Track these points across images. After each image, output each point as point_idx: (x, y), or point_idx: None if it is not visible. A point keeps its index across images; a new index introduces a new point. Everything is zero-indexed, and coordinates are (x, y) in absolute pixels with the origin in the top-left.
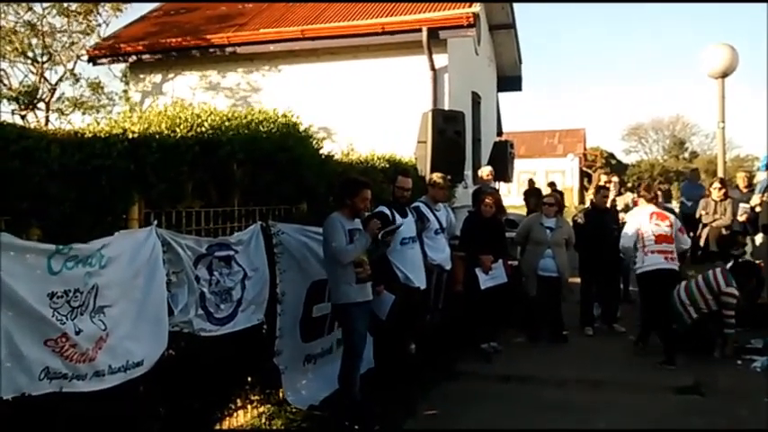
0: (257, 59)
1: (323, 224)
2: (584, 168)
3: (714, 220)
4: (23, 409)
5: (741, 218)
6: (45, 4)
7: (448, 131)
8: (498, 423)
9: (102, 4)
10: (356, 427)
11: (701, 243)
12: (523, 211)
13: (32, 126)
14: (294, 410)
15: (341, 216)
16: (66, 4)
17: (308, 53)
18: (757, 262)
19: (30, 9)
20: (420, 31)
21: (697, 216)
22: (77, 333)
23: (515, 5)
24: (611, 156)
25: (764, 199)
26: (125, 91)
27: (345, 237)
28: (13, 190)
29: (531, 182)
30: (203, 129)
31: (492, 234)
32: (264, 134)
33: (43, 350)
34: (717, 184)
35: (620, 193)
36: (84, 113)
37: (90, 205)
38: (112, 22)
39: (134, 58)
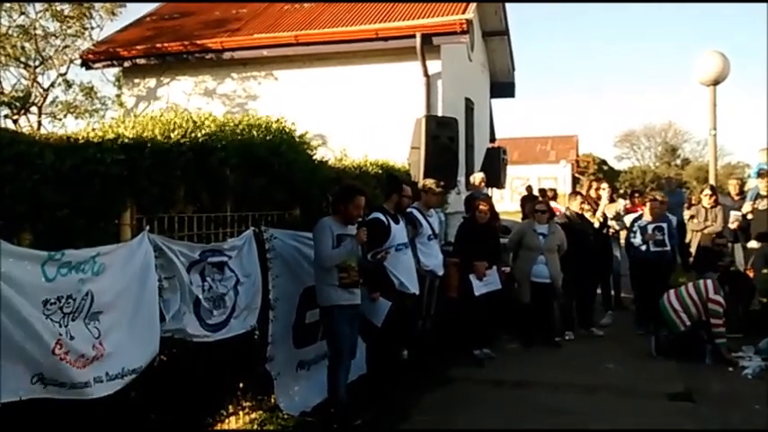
0: (251, 65)
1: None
2: (577, 175)
3: (705, 227)
4: (13, 417)
5: (732, 225)
6: (38, 7)
7: (441, 137)
8: (492, 426)
9: (96, 8)
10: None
11: (692, 250)
12: (516, 218)
13: (25, 130)
14: (286, 417)
15: (332, 221)
16: (59, 8)
17: (302, 59)
18: (748, 269)
19: (23, 13)
20: (413, 37)
21: (686, 220)
22: (71, 340)
23: (509, 12)
24: (604, 162)
25: (756, 206)
26: (118, 95)
27: (333, 241)
28: (6, 195)
29: (529, 188)
30: (197, 135)
31: (486, 240)
32: (258, 140)
33: (39, 356)
34: (707, 191)
35: (612, 200)
36: (76, 118)
37: (83, 210)
38: (106, 26)
39: (128, 62)
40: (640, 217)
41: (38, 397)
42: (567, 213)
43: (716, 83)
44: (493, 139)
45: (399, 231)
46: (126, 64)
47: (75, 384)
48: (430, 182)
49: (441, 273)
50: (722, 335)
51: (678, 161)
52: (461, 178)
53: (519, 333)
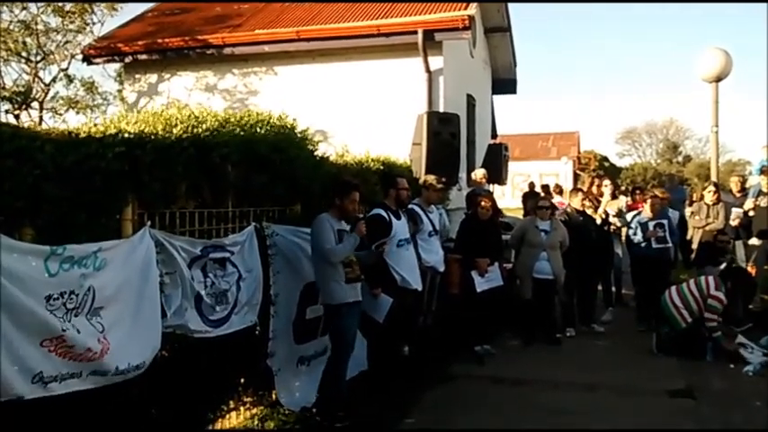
0: (252, 60)
1: (311, 224)
2: (578, 171)
3: (707, 224)
4: (15, 412)
5: (734, 222)
6: (40, 3)
7: (443, 134)
8: (492, 424)
9: (98, 3)
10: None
11: (694, 247)
12: (517, 214)
13: (26, 125)
14: (287, 412)
15: (329, 217)
16: (61, 3)
17: (304, 54)
18: (749, 266)
19: (24, 8)
20: (415, 33)
21: (688, 217)
22: (75, 335)
23: (511, 9)
24: (605, 159)
25: (758, 203)
26: (119, 91)
27: (335, 236)
28: (7, 190)
29: (531, 185)
30: (199, 130)
31: (488, 237)
32: (259, 136)
33: (41, 353)
34: (711, 188)
35: (614, 197)
36: (77, 113)
37: (84, 205)
38: (107, 21)
39: (130, 57)
40: (639, 214)
41: (39, 396)
42: (568, 210)
43: (718, 80)
44: (494, 136)
45: (401, 227)
46: (127, 59)
47: (75, 374)
48: (431, 178)
49: (441, 269)
50: (716, 329)
51: (679, 158)
52: (463, 174)
53: (520, 330)
